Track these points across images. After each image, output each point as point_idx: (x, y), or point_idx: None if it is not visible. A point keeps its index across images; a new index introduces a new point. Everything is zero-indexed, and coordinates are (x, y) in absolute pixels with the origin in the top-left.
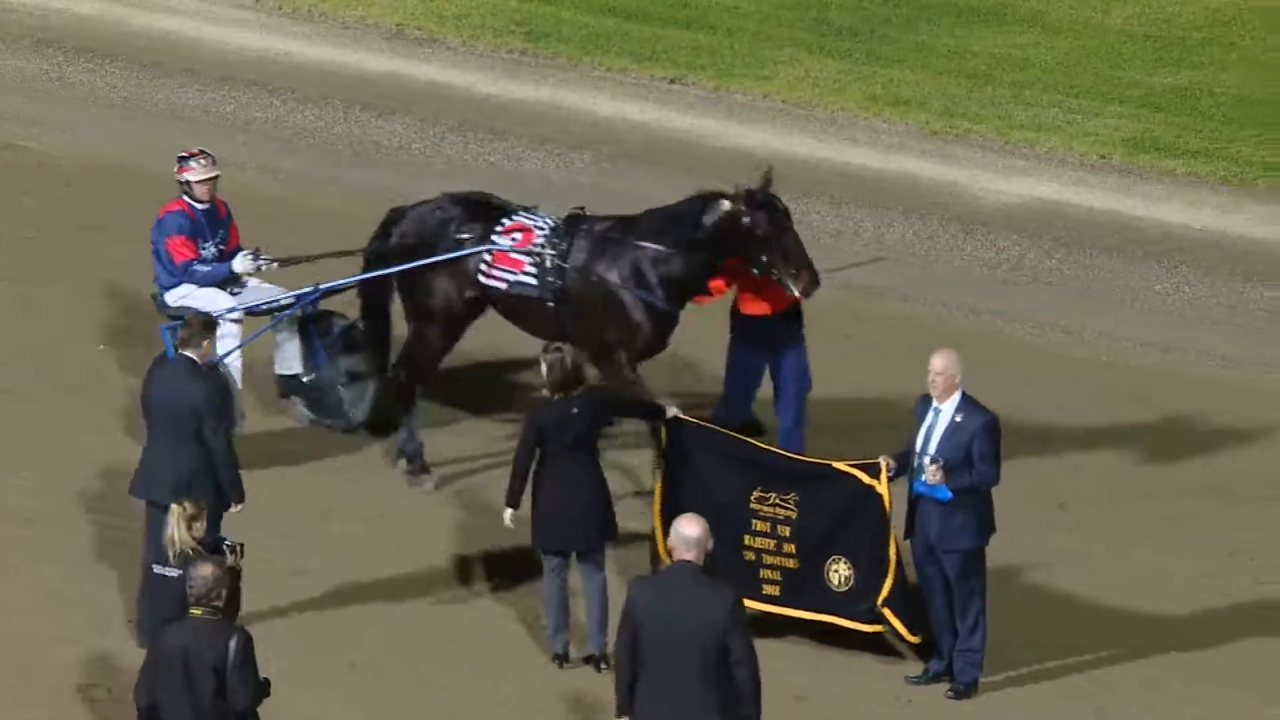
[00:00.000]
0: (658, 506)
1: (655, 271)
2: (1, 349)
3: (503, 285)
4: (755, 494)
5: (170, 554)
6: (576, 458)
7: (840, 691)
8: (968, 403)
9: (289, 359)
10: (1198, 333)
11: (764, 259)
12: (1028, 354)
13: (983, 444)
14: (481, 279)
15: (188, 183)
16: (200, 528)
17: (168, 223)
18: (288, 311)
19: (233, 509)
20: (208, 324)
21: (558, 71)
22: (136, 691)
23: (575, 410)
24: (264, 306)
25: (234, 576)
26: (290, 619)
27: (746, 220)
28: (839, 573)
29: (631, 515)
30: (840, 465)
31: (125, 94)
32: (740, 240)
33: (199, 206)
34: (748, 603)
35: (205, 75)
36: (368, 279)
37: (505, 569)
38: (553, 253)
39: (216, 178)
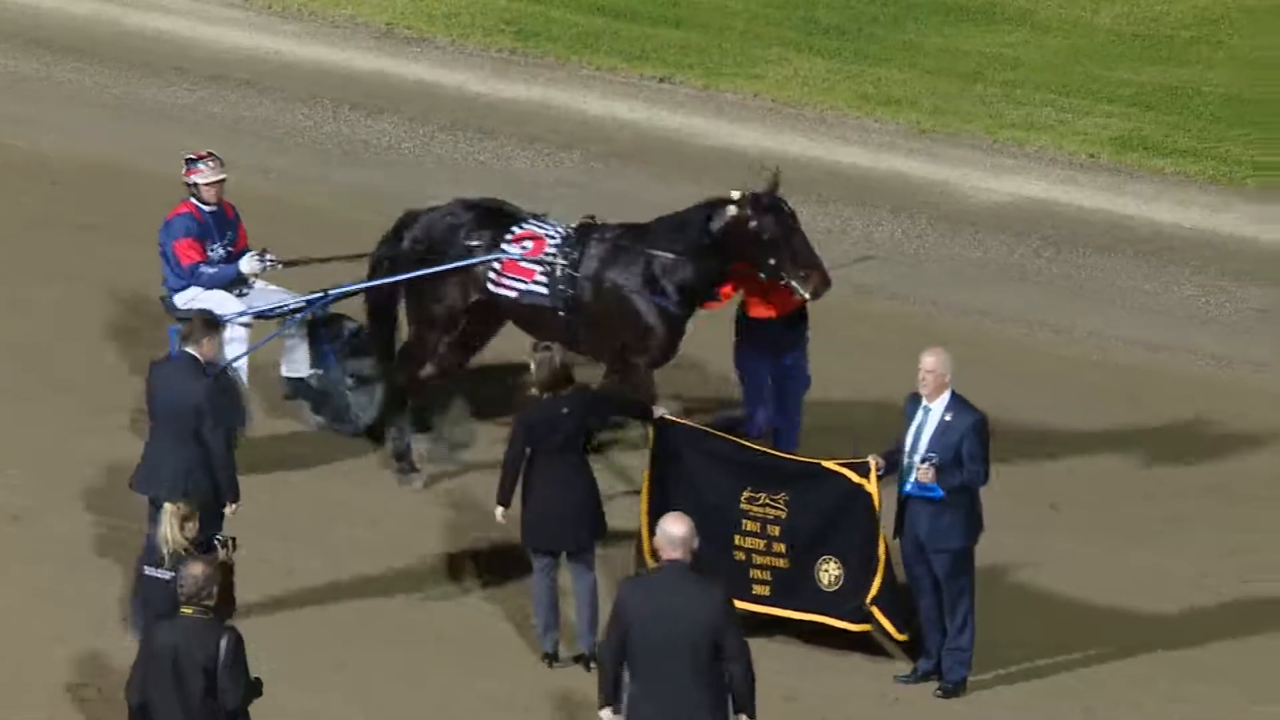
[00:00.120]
0: (645, 507)
1: (667, 278)
2: None
3: (513, 294)
4: (745, 494)
5: (164, 553)
6: (566, 457)
7: (829, 691)
8: (957, 402)
9: (297, 362)
10: (1187, 332)
11: (772, 262)
12: (1017, 353)
13: (972, 444)
14: (491, 287)
15: (195, 185)
16: (193, 528)
17: (175, 225)
18: (298, 317)
19: (228, 509)
20: (209, 321)
21: (547, 70)
22: (127, 690)
23: (565, 410)
24: (274, 312)
25: (226, 571)
26: (280, 617)
27: (753, 224)
28: (829, 572)
29: (622, 515)
30: (830, 464)
31: (116, 93)
32: (748, 244)
33: (206, 209)
34: (738, 603)
35: (195, 74)
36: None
37: (495, 568)
38: (564, 262)
39: (224, 180)
